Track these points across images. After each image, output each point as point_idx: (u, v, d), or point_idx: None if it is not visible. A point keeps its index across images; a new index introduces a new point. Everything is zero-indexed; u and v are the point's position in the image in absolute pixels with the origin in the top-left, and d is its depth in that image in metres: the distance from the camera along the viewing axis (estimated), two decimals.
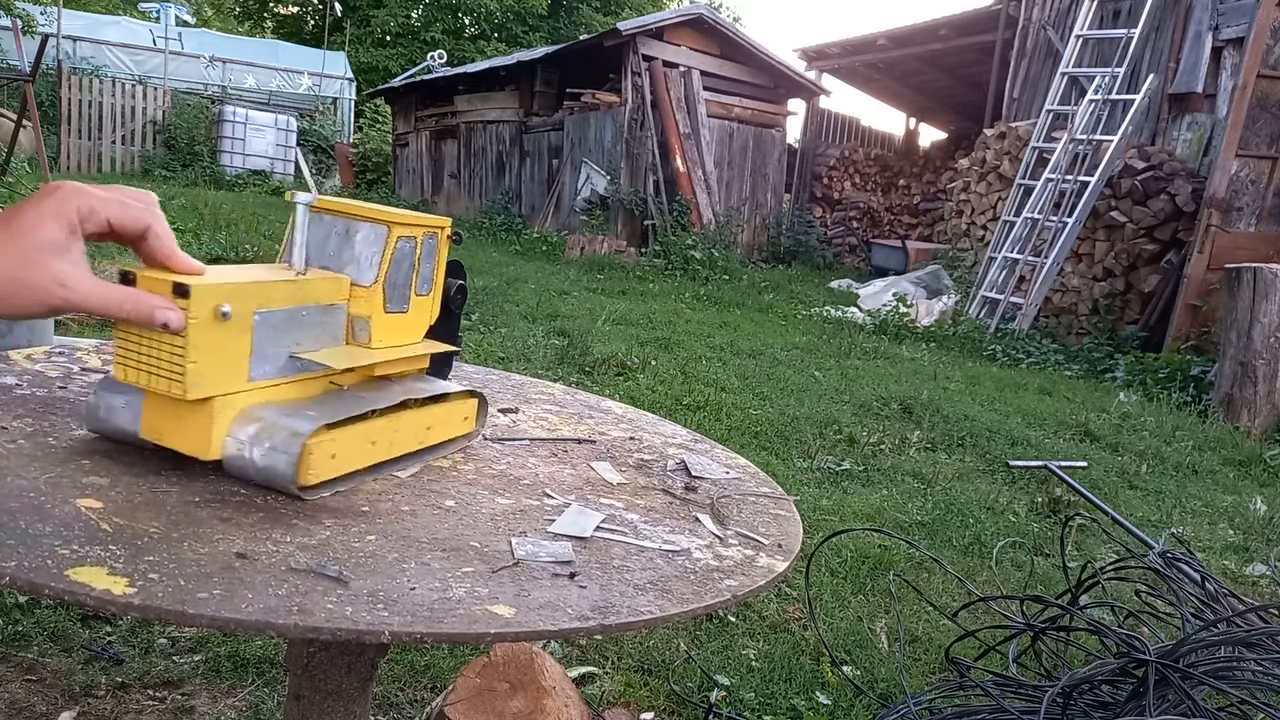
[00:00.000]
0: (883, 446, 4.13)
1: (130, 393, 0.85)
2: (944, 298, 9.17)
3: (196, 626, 0.65)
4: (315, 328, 0.89)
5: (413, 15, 23.43)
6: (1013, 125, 9.36)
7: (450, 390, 1.02)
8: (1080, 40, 8.53)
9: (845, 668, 2.19)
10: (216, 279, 0.79)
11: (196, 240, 7.22)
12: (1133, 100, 7.79)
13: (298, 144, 16.04)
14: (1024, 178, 8.46)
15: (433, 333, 1.02)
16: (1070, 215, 7.61)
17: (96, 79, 14.35)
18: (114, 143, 14.29)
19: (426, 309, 1.00)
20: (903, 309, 8.39)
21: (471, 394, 1.06)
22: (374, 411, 0.92)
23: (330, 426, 0.85)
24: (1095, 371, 6.87)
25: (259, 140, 15.27)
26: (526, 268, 8.80)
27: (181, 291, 0.75)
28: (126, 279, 0.76)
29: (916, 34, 12.54)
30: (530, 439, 1.19)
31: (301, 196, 0.88)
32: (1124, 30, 8.09)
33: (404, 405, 0.95)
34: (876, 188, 14.50)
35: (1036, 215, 7.91)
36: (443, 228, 0.99)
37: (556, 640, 2.08)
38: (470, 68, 14.32)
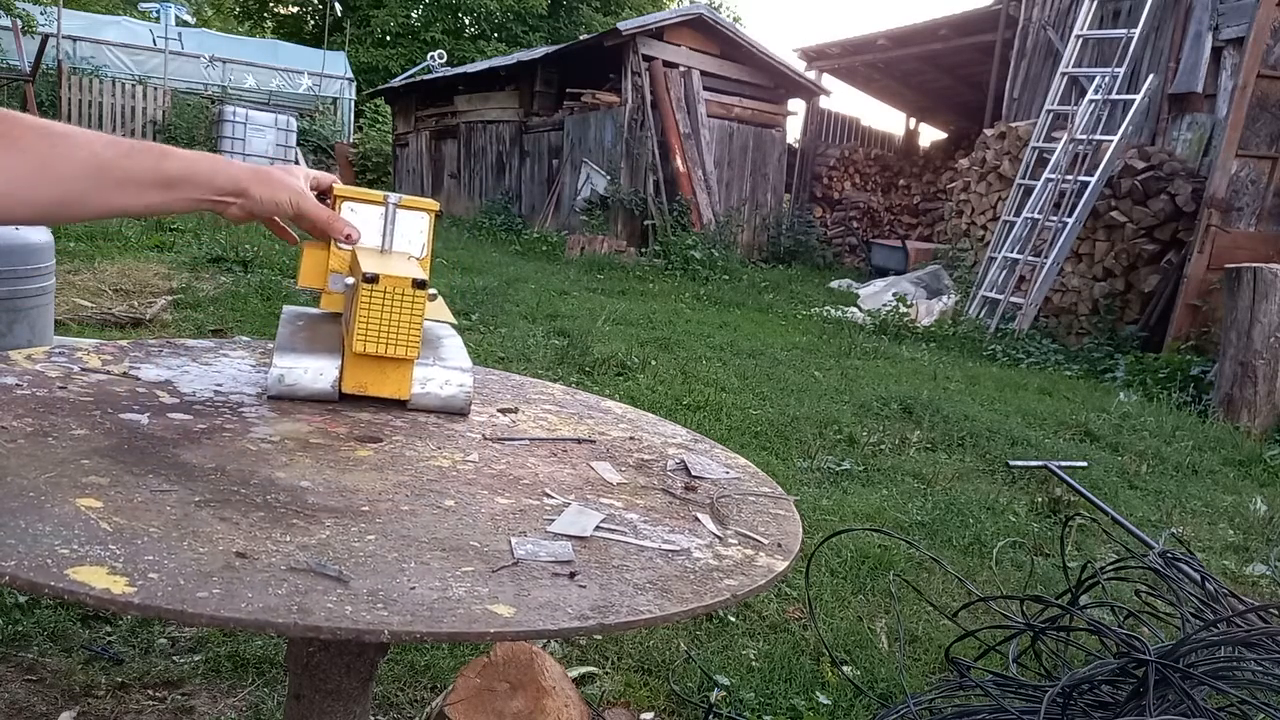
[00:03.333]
0: (883, 446, 4.13)
1: (307, 359, 1.15)
2: (944, 298, 9.16)
3: (196, 626, 0.65)
4: None
5: (413, 15, 23.41)
6: (1013, 125, 9.34)
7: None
8: (1080, 40, 8.52)
9: (845, 668, 2.19)
10: (415, 271, 1.09)
11: (197, 240, 7.22)
12: (1133, 100, 7.78)
13: (298, 144, 16.01)
14: (1024, 178, 8.45)
15: None
16: (1070, 215, 7.60)
17: (96, 79, 14.33)
18: None
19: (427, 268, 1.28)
20: (903, 309, 8.38)
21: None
22: None
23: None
24: (1095, 371, 6.86)
25: (259, 140, 15.24)
26: (526, 268, 8.80)
27: (420, 285, 1.06)
28: (369, 279, 1.05)
29: (916, 34, 12.53)
30: (530, 439, 1.19)
31: (392, 197, 1.19)
32: (1124, 30, 8.08)
33: None
34: (876, 188, 14.48)
35: (1036, 215, 7.90)
36: (436, 209, 1.29)
37: (556, 640, 2.08)
38: (470, 68, 14.30)
